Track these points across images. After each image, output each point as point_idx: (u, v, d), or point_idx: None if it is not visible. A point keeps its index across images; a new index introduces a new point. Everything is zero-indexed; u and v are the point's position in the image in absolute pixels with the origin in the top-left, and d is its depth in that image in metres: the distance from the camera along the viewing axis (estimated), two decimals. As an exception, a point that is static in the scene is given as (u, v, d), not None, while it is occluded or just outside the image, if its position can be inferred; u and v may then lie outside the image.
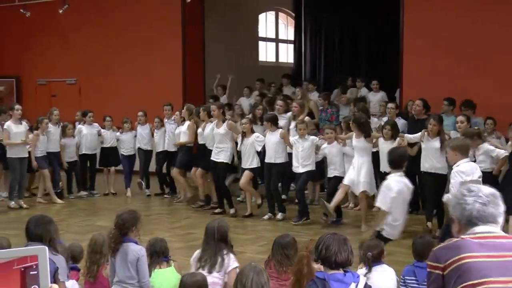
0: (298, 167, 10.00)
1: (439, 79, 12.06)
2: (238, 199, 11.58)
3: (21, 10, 16.24)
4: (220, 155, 10.57)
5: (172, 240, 5.91)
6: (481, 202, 2.60)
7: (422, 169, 9.31)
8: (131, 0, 15.85)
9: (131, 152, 12.91)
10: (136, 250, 5.01)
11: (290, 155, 10.40)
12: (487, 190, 2.67)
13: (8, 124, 11.52)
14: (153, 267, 5.27)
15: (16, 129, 11.52)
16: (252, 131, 10.41)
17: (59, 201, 12.17)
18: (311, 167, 10.02)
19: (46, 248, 1.91)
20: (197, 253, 5.25)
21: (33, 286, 1.87)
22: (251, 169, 10.42)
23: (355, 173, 9.49)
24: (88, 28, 16.47)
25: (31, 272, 1.87)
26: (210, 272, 5.04)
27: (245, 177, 10.44)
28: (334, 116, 12.55)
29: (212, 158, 10.65)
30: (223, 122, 10.63)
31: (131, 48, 15.83)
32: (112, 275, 5.14)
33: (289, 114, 11.34)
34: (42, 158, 12.03)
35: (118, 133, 12.87)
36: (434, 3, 12.40)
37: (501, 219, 2.61)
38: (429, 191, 9.36)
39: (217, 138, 10.59)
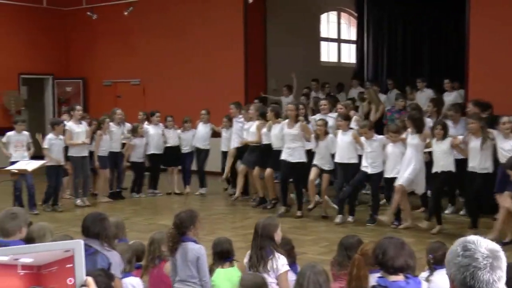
0: (368, 167, 9.92)
1: (507, 78, 11.68)
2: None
3: (88, 13, 16.73)
4: (295, 155, 10.47)
5: (234, 240, 5.92)
6: (476, 266, 2.19)
7: (468, 169, 9.18)
8: (193, 2, 15.97)
9: (190, 149, 12.99)
10: (195, 249, 5.00)
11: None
12: (486, 249, 2.21)
13: (70, 124, 11.81)
14: (216, 266, 5.26)
15: (77, 129, 11.81)
16: (326, 133, 10.37)
17: (106, 199, 12.35)
18: (380, 168, 9.90)
19: (82, 242, 1.99)
20: (248, 252, 5.21)
21: (69, 279, 1.93)
22: (327, 171, 10.41)
23: (403, 168, 9.44)
24: (152, 30, 16.70)
25: (67, 265, 1.93)
26: (259, 271, 4.97)
27: (325, 180, 10.47)
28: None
29: (283, 158, 10.53)
30: (296, 122, 10.53)
31: (193, 49, 15.95)
32: (173, 274, 5.14)
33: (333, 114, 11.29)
34: (104, 157, 12.22)
35: (179, 131, 12.96)
36: None
37: (499, 285, 2.17)
38: (471, 191, 9.28)
39: (289, 138, 10.48)
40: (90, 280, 1.96)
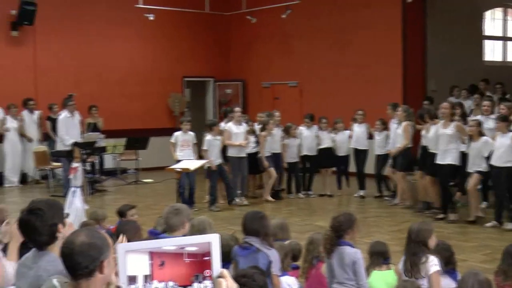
0: None
1: None
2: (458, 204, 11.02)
3: (248, 17, 17.03)
4: (446, 157, 10.18)
5: (391, 243, 5.79)
6: None
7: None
8: (350, 4, 15.83)
9: (345, 152, 12.90)
10: (351, 253, 4.98)
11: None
12: None
13: (229, 125, 12.09)
14: (373, 268, 5.21)
15: (236, 130, 12.02)
16: (481, 134, 9.99)
17: (270, 199, 12.47)
18: None
19: (218, 235, 2.12)
20: (402, 258, 5.12)
21: (206, 270, 2.09)
22: (479, 172, 10.03)
23: None
24: (310, 32, 16.74)
25: (204, 258, 2.08)
26: (414, 277, 4.85)
27: (473, 180, 10.04)
28: None
29: (437, 162, 10.29)
30: (451, 122, 10.27)
31: (350, 51, 15.82)
32: (329, 276, 5.15)
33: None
34: (268, 158, 12.42)
35: (333, 135, 12.87)
36: None
37: None
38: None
39: (443, 139, 10.21)
40: (225, 272, 2.09)
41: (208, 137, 11.70)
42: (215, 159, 11.65)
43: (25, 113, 15.12)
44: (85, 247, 2.42)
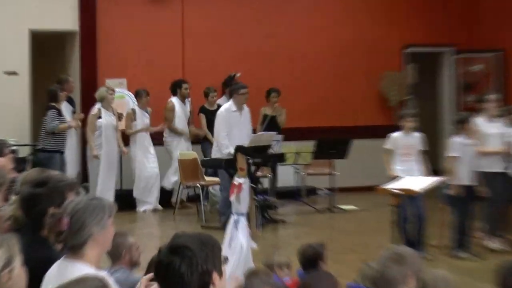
0: None
1: None
2: None
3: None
4: None
5: None
6: None
7: None
8: None
9: None
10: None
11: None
12: None
13: (480, 121, 11.87)
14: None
15: (490, 128, 11.77)
16: None
17: None
18: None
19: None
20: None
21: None
22: None
23: None
24: None
25: None
26: None
27: None
28: None
29: None
30: None
31: None
32: None
33: None
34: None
35: None
36: None
37: None
38: None
39: None
40: None
41: (457, 139, 11.43)
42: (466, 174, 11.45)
43: (175, 102, 15.56)
44: None
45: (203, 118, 15.62)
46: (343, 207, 15.31)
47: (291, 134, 15.56)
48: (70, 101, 15.26)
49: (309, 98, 17.39)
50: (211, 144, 14.45)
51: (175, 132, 15.53)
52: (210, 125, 14.73)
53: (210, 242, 3.52)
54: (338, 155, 15.23)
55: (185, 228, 12.76)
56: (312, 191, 16.57)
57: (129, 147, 15.24)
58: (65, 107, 14.71)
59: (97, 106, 14.68)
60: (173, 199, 15.37)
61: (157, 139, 15.44)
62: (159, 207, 15.26)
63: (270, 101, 15.61)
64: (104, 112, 14.63)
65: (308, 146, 15.32)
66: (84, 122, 14.82)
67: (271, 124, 15.20)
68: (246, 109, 13.79)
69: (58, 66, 16.78)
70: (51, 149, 14.03)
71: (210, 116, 14.91)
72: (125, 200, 14.74)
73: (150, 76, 16.19)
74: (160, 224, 14.42)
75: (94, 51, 16.28)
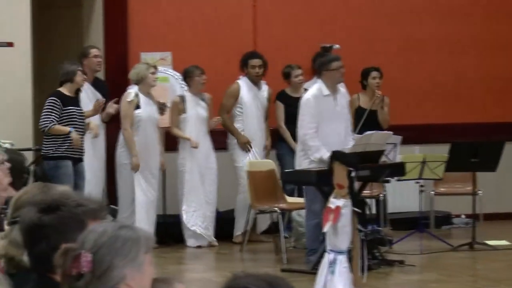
0: None
1: None
2: None
3: None
4: None
5: None
6: None
7: None
8: None
9: None
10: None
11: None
12: None
13: None
14: None
15: None
16: None
17: None
18: None
19: None
20: None
21: None
22: None
23: None
24: None
25: None
26: None
27: None
28: None
29: None
30: None
31: None
32: None
33: None
34: None
35: None
36: None
37: None
38: None
39: None
40: None
41: None
42: None
43: (242, 85, 14.43)
44: None
45: (280, 108, 14.40)
46: (490, 242, 14.03)
47: (412, 135, 14.28)
48: (98, 84, 13.99)
49: (432, 81, 15.97)
50: (291, 148, 13.68)
51: (231, 131, 14.41)
52: (291, 120, 13.51)
53: (282, 287, 3.15)
54: (484, 166, 14.02)
55: (255, 268, 12.45)
56: (444, 219, 15.42)
57: (179, 154, 14.01)
58: (88, 94, 13.45)
59: (133, 90, 13.39)
60: (238, 231, 14.26)
61: (218, 142, 14.30)
62: (215, 241, 14.11)
63: (370, 85, 14.24)
64: (143, 100, 13.31)
65: (439, 153, 13.97)
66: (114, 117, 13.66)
67: (371, 119, 14.13)
68: (342, 91, 12.69)
69: (72, 35, 15.48)
70: (59, 155, 12.58)
71: (292, 107, 13.61)
72: (170, 231, 14.20)
73: (207, 49, 15.05)
74: (220, 266, 13.47)
75: (125, 13, 15.04)
